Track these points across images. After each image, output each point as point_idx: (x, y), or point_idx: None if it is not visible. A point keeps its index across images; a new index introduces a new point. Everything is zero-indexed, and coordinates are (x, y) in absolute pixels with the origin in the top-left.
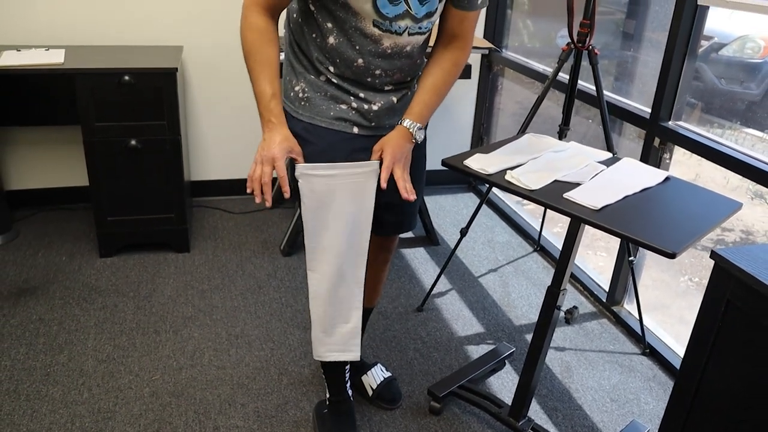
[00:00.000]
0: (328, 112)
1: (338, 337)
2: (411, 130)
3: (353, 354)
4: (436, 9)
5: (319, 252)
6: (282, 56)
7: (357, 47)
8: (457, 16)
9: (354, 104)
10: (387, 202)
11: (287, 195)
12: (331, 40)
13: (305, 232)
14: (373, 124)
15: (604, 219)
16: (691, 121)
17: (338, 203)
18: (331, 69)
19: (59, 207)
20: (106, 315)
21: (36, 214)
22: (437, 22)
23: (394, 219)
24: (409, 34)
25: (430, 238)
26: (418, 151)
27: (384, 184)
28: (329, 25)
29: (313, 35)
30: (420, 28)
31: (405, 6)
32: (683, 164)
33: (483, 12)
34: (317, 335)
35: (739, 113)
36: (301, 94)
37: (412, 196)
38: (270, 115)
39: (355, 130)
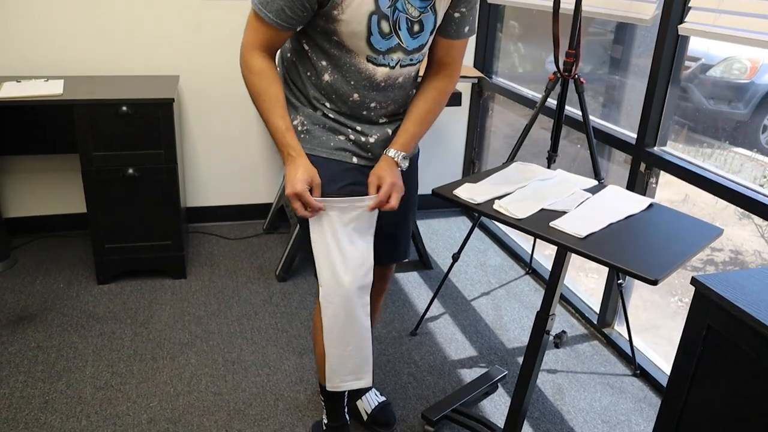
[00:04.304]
0: (328, 142)
1: (352, 366)
2: (396, 159)
3: (366, 380)
4: (427, 41)
5: (334, 283)
6: None
7: (352, 82)
8: (444, 44)
9: (351, 136)
10: (382, 232)
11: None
12: (326, 77)
13: (319, 266)
14: (370, 155)
15: (589, 247)
16: (679, 140)
17: (348, 234)
18: (327, 105)
19: (57, 234)
20: (104, 342)
21: (34, 241)
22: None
23: (389, 248)
24: (401, 66)
25: (423, 262)
26: (411, 178)
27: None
28: (323, 63)
29: (308, 73)
30: (411, 60)
31: (396, 39)
32: (674, 184)
33: (473, 39)
34: (332, 367)
35: (728, 133)
36: (300, 127)
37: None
38: (288, 148)
39: (355, 160)
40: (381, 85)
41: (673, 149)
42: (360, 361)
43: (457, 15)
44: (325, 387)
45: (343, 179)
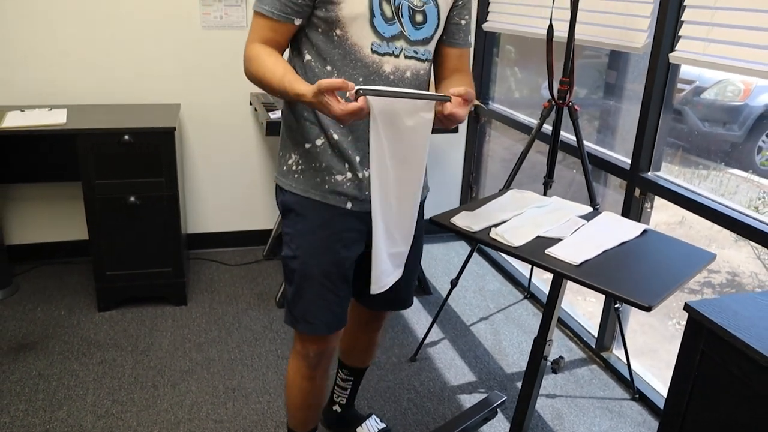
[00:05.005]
0: (322, 185)
1: (392, 266)
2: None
3: (399, 271)
4: (432, 38)
5: (383, 171)
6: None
7: (360, 79)
8: (455, 53)
9: (349, 174)
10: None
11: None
12: None
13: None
14: (366, 193)
15: (584, 274)
16: (675, 162)
17: (398, 127)
18: (332, 125)
19: (59, 261)
20: (105, 370)
21: (36, 268)
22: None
23: (390, 294)
24: (406, 57)
25: (422, 288)
26: (418, 224)
27: (450, 109)
28: (328, 69)
29: None
30: (416, 52)
31: (399, 27)
32: (670, 207)
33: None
34: (379, 270)
35: (723, 154)
36: (294, 167)
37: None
38: (293, 88)
39: (349, 205)
40: (390, 77)
41: (669, 172)
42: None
43: (463, 22)
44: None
45: (334, 226)
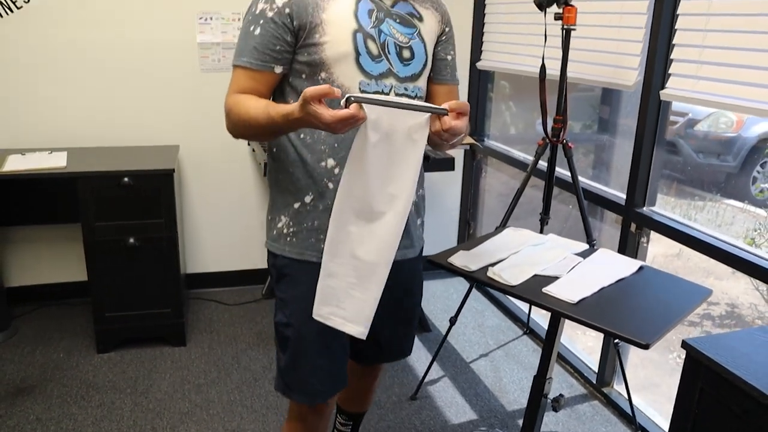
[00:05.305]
0: (317, 244)
1: (350, 304)
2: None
3: (361, 329)
4: (421, 74)
5: (356, 192)
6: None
7: None
8: (445, 89)
9: None
10: (382, 326)
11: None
12: None
13: (344, 178)
14: None
15: (582, 312)
16: (671, 194)
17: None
18: (331, 161)
19: (58, 302)
20: (104, 413)
21: (35, 310)
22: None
23: (388, 347)
24: (396, 95)
25: (421, 325)
26: (416, 274)
27: (448, 123)
28: None
29: (301, 136)
30: (406, 89)
31: (387, 64)
32: (667, 239)
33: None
34: (325, 290)
35: (719, 185)
36: (285, 230)
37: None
38: (279, 112)
39: None
40: None
41: (665, 204)
42: (363, 303)
43: (449, 57)
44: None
45: None
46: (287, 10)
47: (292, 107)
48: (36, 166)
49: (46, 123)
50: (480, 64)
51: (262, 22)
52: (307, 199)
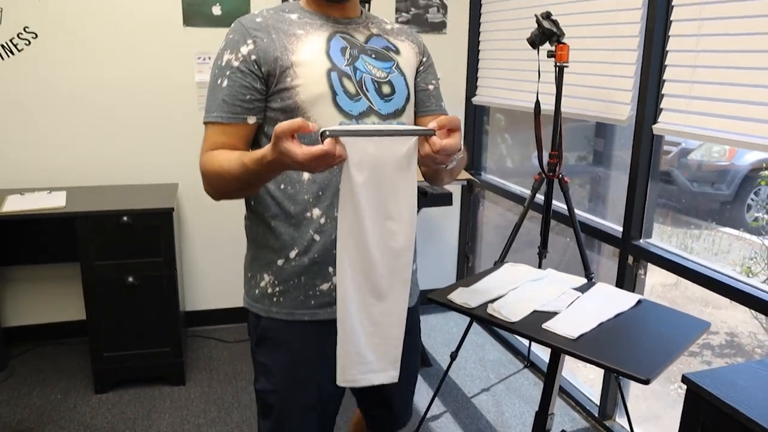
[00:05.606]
0: (308, 301)
1: (373, 353)
2: None
3: (391, 373)
4: (404, 108)
5: (353, 242)
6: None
7: (335, 167)
8: (431, 120)
9: (335, 277)
10: (376, 395)
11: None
12: (306, 174)
13: (340, 222)
14: None
15: (582, 348)
16: (667, 223)
17: (375, 176)
18: (317, 211)
19: (55, 342)
20: None
21: (32, 350)
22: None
23: (387, 414)
24: None
25: (422, 360)
26: (412, 337)
27: (437, 145)
28: None
29: (282, 186)
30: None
31: (367, 102)
32: None
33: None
34: (346, 356)
35: (714, 213)
36: (270, 290)
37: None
38: (252, 158)
39: None
40: None
41: (661, 233)
42: (388, 348)
43: (431, 87)
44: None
45: (323, 350)
46: (253, 57)
47: (264, 150)
48: (35, 206)
49: (45, 162)
50: (475, 100)
51: (228, 73)
52: (292, 254)
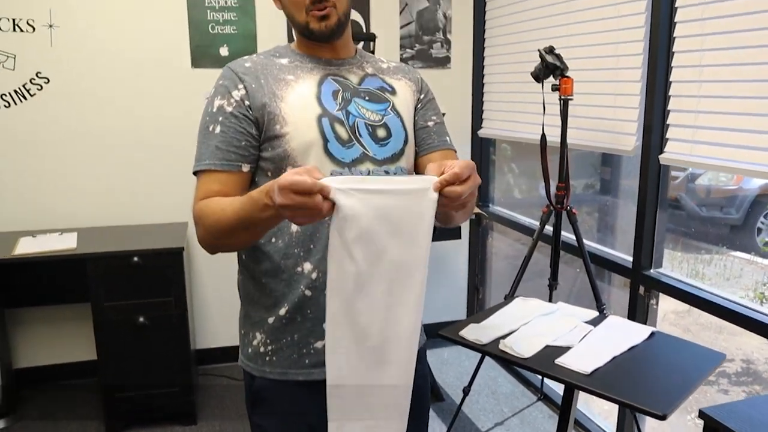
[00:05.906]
0: (301, 360)
1: (368, 405)
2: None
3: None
4: (402, 152)
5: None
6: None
7: (326, 219)
8: (436, 157)
9: None
10: None
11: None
12: (294, 226)
13: (329, 286)
14: None
15: (596, 383)
16: (678, 248)
17: (380, 235)
18: (308, 266)
19: (65, 383)
20: None
21: (42, 392)
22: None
23: None
24: None
25: (434, 394)
26: (422, 379)
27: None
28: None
29: (272, 240)
30: (387, 172)
31: (361, 149)
32: None
33: None
34: (338, 408)
35: (724, 237)
36: (262, 349)
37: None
38: (262, 198)
39: None
40: None
41: (672, 259)
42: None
43: (430, 124)
44: None
45: (319, 412)
46: (247, 102)
47: (262, 195)
48: (47, 248)
49: (56, 204)
50: (481, 132)
51: (221, 119)
52: (282, 311)
